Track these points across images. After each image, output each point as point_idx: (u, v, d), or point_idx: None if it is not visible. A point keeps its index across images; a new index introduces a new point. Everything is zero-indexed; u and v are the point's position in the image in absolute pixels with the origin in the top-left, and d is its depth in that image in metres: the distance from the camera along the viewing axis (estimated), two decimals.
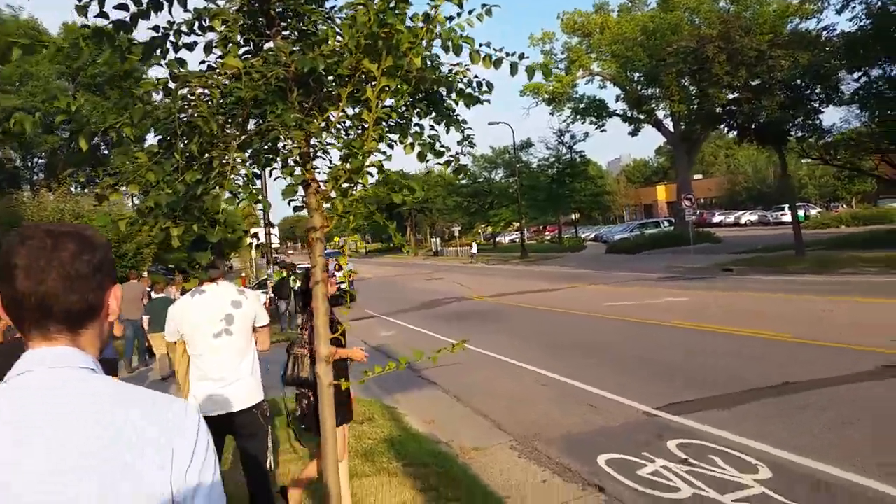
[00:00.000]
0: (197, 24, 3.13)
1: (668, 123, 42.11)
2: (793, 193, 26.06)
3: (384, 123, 3.36)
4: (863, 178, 38.52)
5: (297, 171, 3.24)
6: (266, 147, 3.48)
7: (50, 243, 1.10)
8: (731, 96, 23.13)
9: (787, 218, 46.03)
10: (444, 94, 3.66)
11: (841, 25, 46.51)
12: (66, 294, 1.10)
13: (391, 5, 2.85)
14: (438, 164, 3.70)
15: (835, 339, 8.94)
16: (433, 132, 3.65)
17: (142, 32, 3.23)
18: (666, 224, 47.15)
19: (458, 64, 3.64)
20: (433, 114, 3.69)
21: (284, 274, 17.70)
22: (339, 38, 3.22)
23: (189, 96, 2.82)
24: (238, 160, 2.99)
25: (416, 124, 3.66)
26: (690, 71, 24.18)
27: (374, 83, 3.15)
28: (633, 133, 45.10)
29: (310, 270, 3.74)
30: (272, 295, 18.04)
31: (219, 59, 3.06)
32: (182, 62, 3.14)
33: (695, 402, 6.86)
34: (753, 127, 22.66)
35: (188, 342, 3.87)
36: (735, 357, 8.72)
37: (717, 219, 55.22)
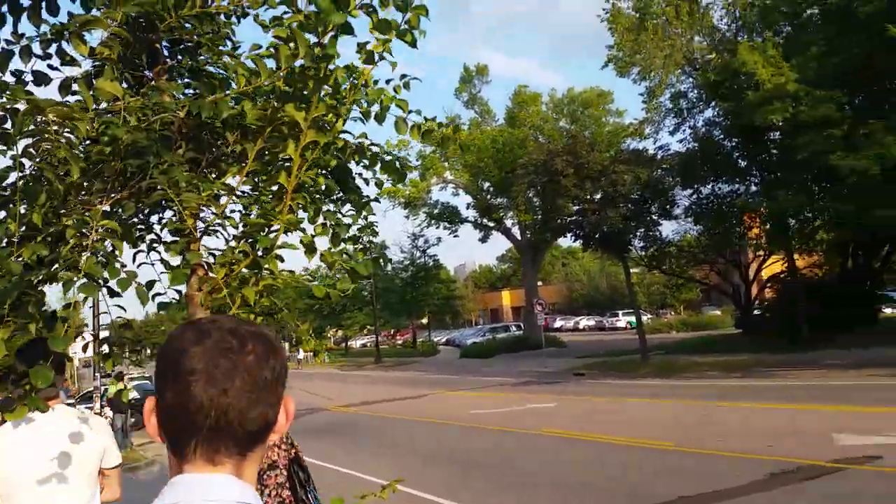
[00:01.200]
0: (55, 46, 2.30)
1: (516, 231, 44.10)
2: (636, 301, 27.61)
3: (305, 192, 2.64)
4: (689, 287, 42.21)
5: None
6: (139, 217, 2.62)
7: (235, 344, 0.89)
8: (576, 208, 24.53)
9: (621, 323, 49.57)
10: (364, 168, 3.01)
11: (675, 147, 52.32)
12: (250, 407, 0.88)
13: (332, 34, 2.20)
14: (349, 252, 2.97)
15: (715, 447, 8.89)
16: (344, 214, 2.97)
17: None
18: (514, 328, 48.35)
19: (362, 134, 2.96)
20: (339, 192, 3.01)
21: (121, 385, 15.55)
22: (247, 79, 2.50)
23: (40, 133, 1.97)
24: (104, 229, 2.11)
25: (329, 200, 2.99)
26: (540, 182, 25.48)
27: (296, 138, 2.47)
28: (483, 239, 46.66)
29: None
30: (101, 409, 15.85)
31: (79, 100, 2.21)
32: (30, 94, 2.26)
33: None
34: (598, 236, 24.04)
35: (2, 496, 2.62)
36: (623, 468, 8.36)
37: (558, 323, 57.58)
